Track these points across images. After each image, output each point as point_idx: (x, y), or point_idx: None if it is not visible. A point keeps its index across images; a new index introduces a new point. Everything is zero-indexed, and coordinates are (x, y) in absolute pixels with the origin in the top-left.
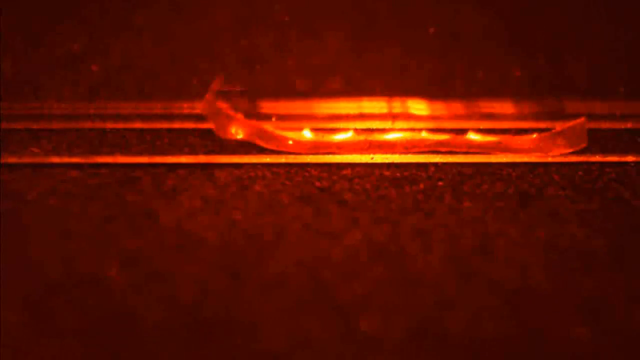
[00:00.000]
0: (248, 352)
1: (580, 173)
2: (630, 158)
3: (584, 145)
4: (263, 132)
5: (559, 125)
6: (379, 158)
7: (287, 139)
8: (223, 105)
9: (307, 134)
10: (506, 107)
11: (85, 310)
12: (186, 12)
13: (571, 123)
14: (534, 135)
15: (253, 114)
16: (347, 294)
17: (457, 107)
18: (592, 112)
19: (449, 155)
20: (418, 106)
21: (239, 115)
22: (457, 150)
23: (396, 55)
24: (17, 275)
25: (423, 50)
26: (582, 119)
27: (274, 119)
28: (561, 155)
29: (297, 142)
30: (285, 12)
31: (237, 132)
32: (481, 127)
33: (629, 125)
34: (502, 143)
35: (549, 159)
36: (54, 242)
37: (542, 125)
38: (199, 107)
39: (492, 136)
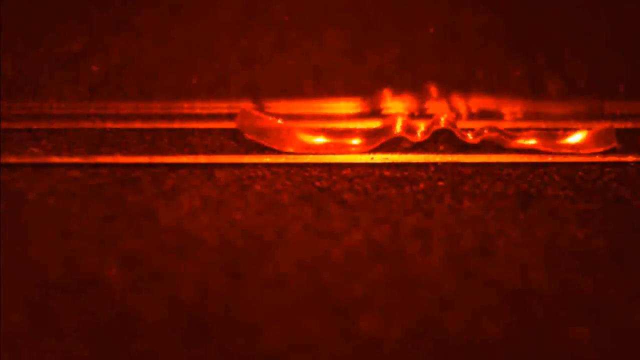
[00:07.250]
0: (248, 352)
1: (580, 173)
2: (630, 158)
3: (613, 145)
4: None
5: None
6: (379, 158)
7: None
8: (261, 116)
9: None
10: (507, 106)
11: (85, 310)
12: (186, 12)
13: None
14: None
15: None
16: (347, 294)
17: (458, 106)
18: (592, 112)
19: (449, 155)
20: (418, 106)
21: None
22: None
23: (396, 55)
24: (17, 275)
25: (423, 50)
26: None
27: None
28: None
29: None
30: (285, 12)
31: (290, 145)
32: (481, 126)
33: (629, 125)
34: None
35: (549, 159)
36: (54, 242)
37: (542, 125)
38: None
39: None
